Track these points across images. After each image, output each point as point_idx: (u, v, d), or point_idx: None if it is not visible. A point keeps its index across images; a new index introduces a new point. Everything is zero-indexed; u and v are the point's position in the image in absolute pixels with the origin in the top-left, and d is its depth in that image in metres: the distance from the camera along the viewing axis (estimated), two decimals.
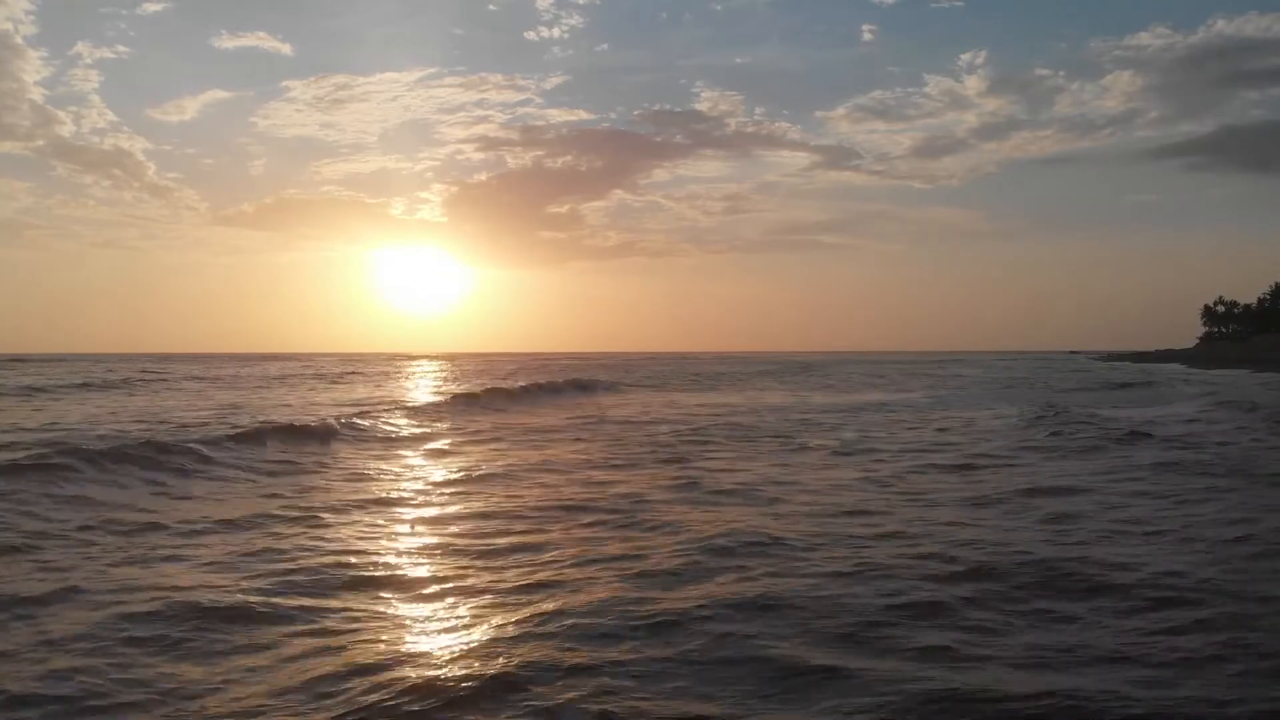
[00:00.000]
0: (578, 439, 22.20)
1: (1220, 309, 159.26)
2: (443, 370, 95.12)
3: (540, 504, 12.21)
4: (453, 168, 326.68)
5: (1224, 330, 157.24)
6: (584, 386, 46.53)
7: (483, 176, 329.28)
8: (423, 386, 51.61)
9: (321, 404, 35.33)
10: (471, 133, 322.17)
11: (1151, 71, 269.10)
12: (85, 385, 45.52)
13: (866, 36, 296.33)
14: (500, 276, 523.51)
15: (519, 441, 21.66)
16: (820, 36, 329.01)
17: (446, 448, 20.44)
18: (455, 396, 34.80)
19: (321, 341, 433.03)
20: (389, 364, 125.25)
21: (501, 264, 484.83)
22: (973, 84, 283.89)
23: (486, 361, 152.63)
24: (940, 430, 23.68)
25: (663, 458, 17.66)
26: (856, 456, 17.81)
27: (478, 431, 24.32)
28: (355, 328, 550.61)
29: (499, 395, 36.65)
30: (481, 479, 14.98)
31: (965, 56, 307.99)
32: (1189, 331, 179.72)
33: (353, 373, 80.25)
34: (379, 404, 33.17)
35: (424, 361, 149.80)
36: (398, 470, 16.52)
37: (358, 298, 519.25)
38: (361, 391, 46.11)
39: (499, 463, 17.18)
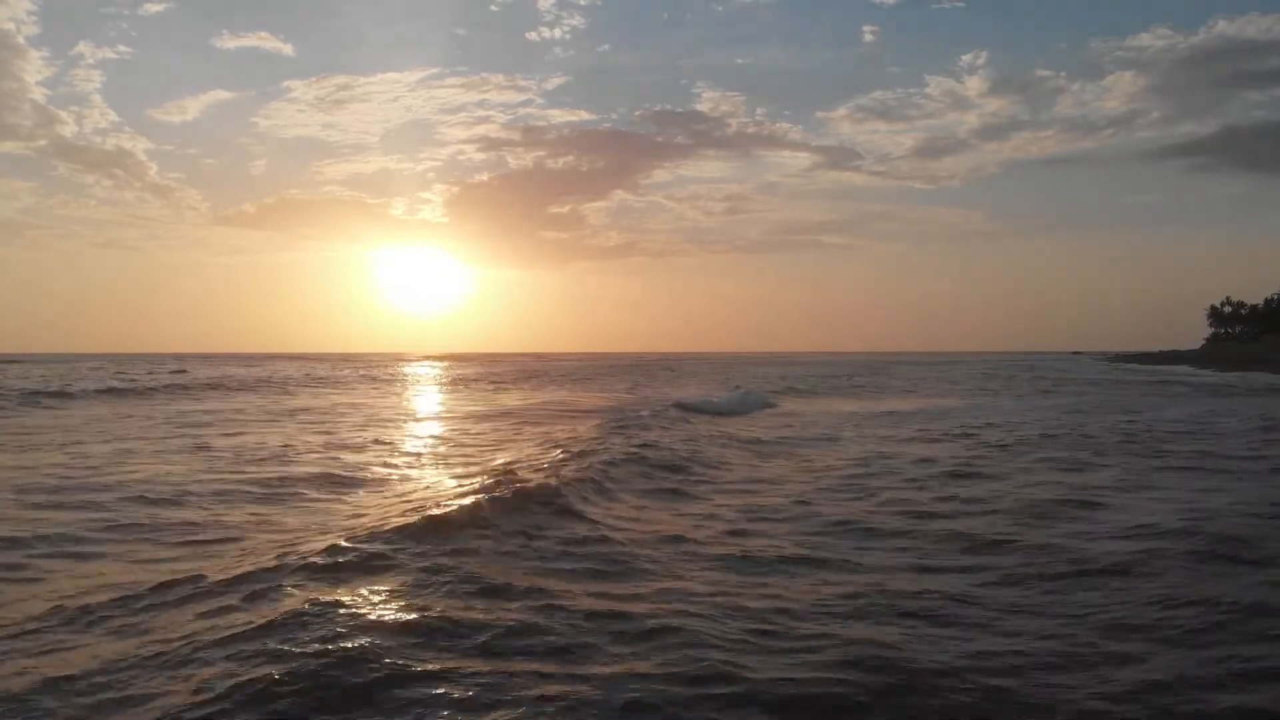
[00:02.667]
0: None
1: (1227, 310, 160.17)
2: (508, 373, 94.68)
3: None
4: (454, 168, 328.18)
5: (1230, 331, 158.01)
6: (765, 401, 38.02)
7: (484, 177, 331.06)
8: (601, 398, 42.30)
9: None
10: (473, 133, 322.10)
11: (1153, 72, 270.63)
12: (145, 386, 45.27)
13: (868, 37, 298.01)
14: (501, 277, 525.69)
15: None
16: (821, 37, 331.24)
17: None
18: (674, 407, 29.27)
19: (322, 341, 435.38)
20: (441, 366, 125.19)
21: (503, 264, 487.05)
22: (974, 84, 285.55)
23: (497, 362, 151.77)
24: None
25: None
26: None
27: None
28: (356, 328, 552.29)
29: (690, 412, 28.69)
30: None
31: (966, 57, 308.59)
32: (1191, 332, 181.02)
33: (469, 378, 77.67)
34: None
35: (451, 363, 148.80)
36: None
37: (359, 298, 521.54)
38: (552, 396, 42.48)
39: None
